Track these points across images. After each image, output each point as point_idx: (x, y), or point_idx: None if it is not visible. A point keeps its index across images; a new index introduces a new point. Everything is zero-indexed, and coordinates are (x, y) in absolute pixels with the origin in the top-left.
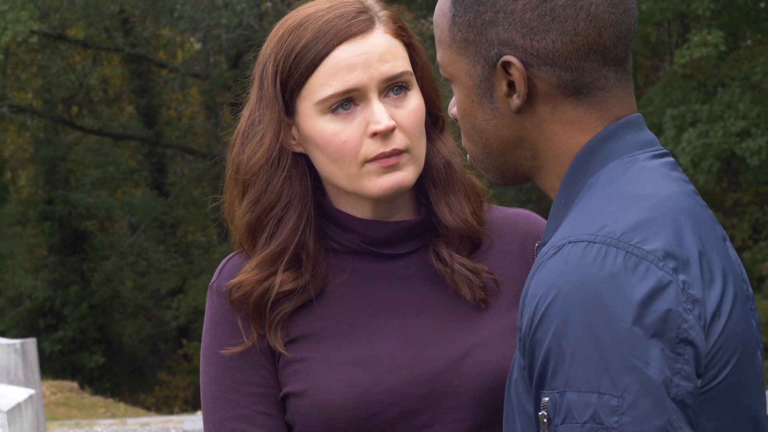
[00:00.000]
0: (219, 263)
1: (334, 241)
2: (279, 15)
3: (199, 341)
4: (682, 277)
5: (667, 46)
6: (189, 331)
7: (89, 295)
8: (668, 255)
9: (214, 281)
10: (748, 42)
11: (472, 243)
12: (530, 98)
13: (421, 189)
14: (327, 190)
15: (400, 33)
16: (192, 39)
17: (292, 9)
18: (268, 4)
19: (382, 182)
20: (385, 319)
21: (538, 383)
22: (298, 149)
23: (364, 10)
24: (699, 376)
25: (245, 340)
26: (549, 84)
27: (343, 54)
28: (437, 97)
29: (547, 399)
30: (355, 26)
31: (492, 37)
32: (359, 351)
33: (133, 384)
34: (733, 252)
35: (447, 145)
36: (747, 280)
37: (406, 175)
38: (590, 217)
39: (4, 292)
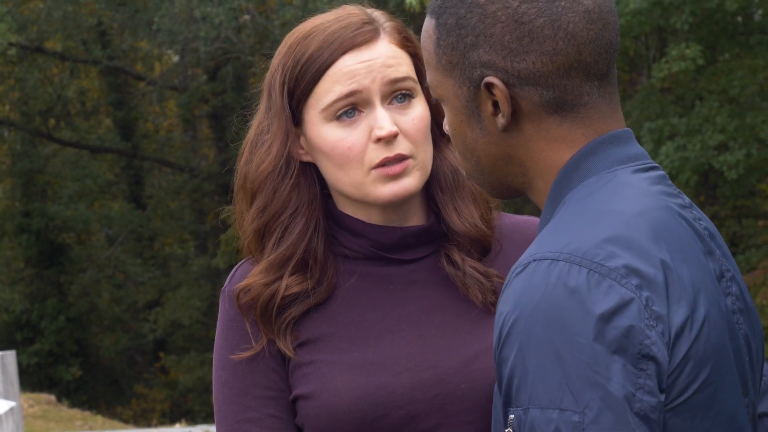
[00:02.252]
0: (196, 276)
1: (345, 246)
2: (257, 28)
3: (177, 354)
4: (645, 293)
5: (645, 60)
6: (166, 344)
7: (66, 307)
8: (632, 272)
9: (226, 286)
10: (726, 56)
11: (482, 248)
12: (515, 117)
13: (431, 196)
14: (335, 199)
15: (405, 43)
16: (170, 52)
17: (272, 21)
18: (247, 17)
19: (387, 189)
20: (394, 323)
21: (505, 401)
22: (307, 158)
23: (370, 21)
24: (662, 391)
25: (254, 344)
26: (532, 103)
27: (347, 62)
28: None
29: (512, 416)
30: (360, 36)
31: (474, 60)
32: (367, 354)
33: (111, 397)
34: (724, 265)
35: (454, 153)
36: (739, 293)
37: (412, 181)
38: (558, 234)
39: None
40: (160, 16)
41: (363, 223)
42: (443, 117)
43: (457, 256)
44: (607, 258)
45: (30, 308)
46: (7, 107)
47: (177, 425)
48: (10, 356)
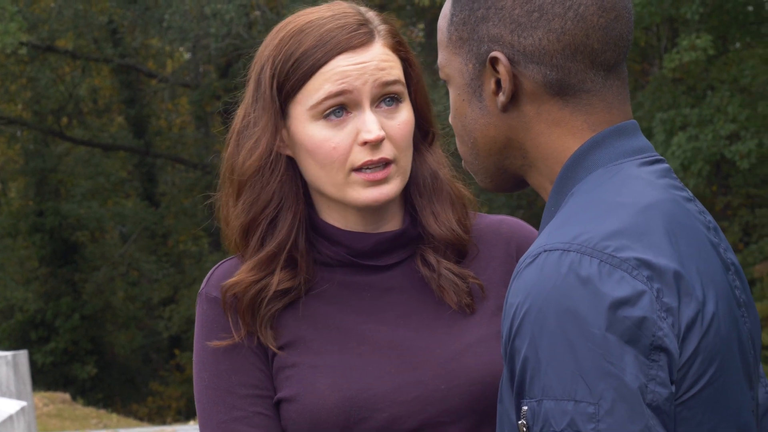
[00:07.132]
0: None
1: (321, 253)
2: (268, 24)
3: (192, 351)
4: (656, 285)
5: (656, 51)
6: (181, 340)
7: (81, 306)
8: (642, 263)
9: (203, 288)
10: (737, 45)
11: (458, 251)
12: (516, 97)
13: (408, 200)
14: (314, 200)
15: (398, 47)
16: (181, 49)
17: (283, 17)
18: (257, 13)
19: (367, 194)
20: (373, 327)
21: (518, 392)
22: (287, 152)
23: (365, 23)
24: (672, 382)
25: (234, 335)
26: (535, 82)
27: (340, 62)
28: (429, 111)
29: (526, 408)
30: (356, 39)
31: (483, 34)
32: (348, 357)
33: (126, 394)
34: (728, 258)
35: (435, 156)
36: (742, 286)
37: (392, 187)
38: (567, 226)
39: None
40: (170, 13)
41: (338, 229)
42: (427, 122)
43: (432, 258)
44: (617, 249)
45: (44, 307)
46: (20, 106)
47: (192, 422)
48: (22, 356)
